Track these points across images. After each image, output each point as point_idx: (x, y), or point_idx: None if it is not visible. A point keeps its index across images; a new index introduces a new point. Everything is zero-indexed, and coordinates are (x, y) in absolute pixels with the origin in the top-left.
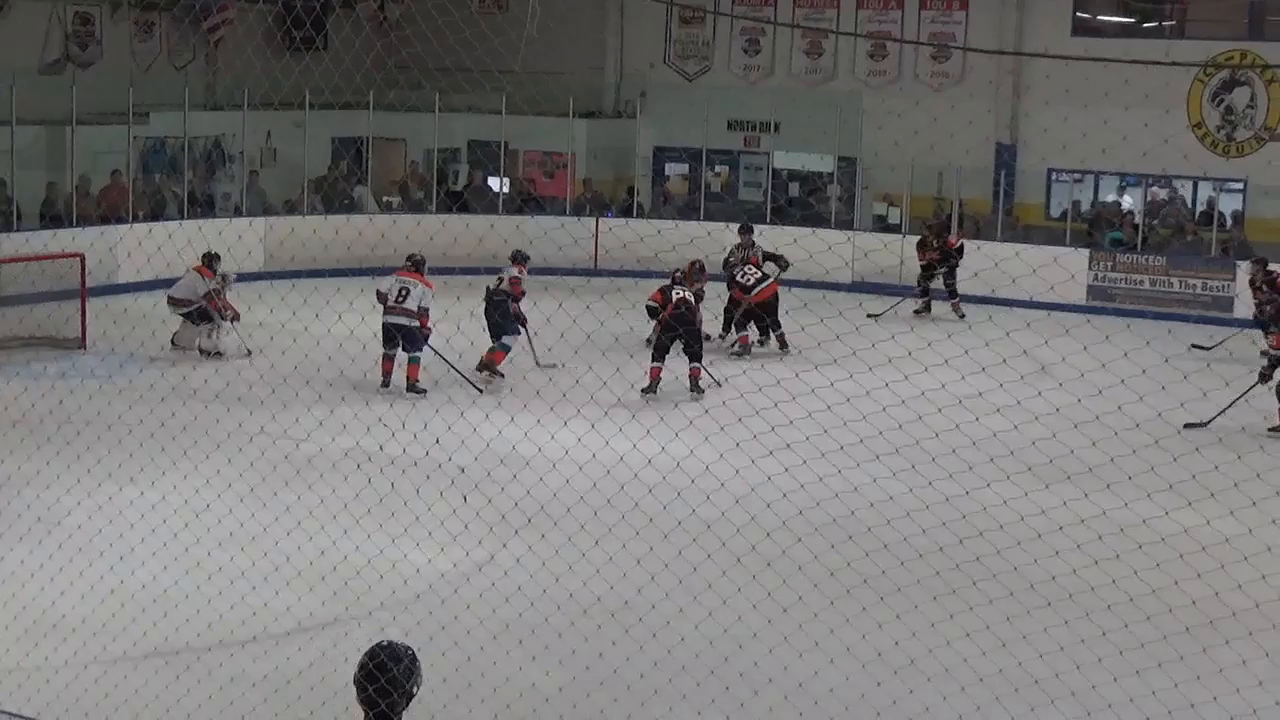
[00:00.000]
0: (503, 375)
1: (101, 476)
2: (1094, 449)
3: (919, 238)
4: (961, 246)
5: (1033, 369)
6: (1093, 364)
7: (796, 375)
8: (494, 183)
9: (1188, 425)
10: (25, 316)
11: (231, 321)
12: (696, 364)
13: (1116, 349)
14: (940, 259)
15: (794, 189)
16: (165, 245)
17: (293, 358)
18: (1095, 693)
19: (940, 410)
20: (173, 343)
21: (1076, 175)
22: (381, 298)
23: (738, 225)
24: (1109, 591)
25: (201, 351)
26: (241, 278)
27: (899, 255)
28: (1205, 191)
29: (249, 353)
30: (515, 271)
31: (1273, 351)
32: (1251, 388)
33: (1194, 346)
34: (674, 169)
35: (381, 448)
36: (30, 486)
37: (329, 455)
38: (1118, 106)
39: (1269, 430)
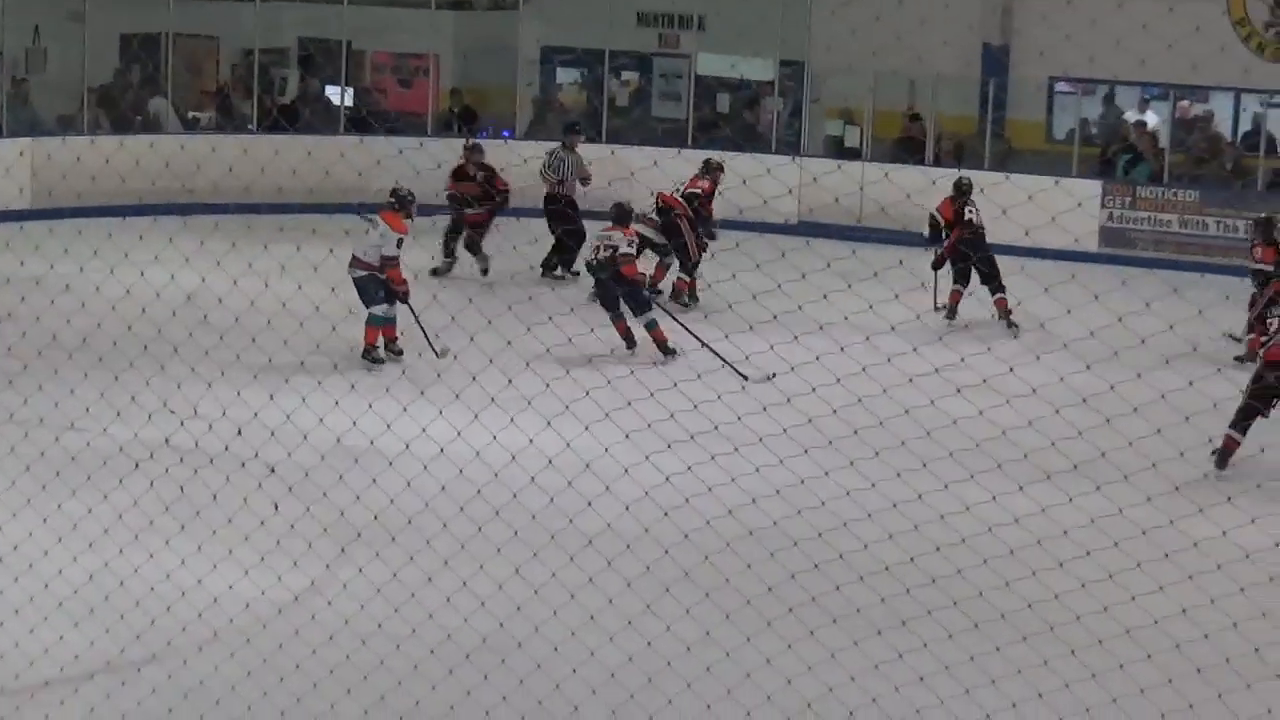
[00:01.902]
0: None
1: None
2: (1079, 440)
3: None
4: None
5: (1030, 327)
6: (1080, 331)
7: (703, 345)
8: (333, 93)
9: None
10: None
11: None
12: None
13: (1110, 313)
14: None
15: (724, 102)
16: None
17: (71, 322)
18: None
19: (885, 391)
20: None
21: (1086, 86)
22: None
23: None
24: (1100, 622)
25: None
26: None
27: (859, 184)
28: (1251, 106)
29: None
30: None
31: None
32: None
33: (1229, 337)
34: (567, 76)
35: (197, 443)
36: None
37: (129, 452)
38: None
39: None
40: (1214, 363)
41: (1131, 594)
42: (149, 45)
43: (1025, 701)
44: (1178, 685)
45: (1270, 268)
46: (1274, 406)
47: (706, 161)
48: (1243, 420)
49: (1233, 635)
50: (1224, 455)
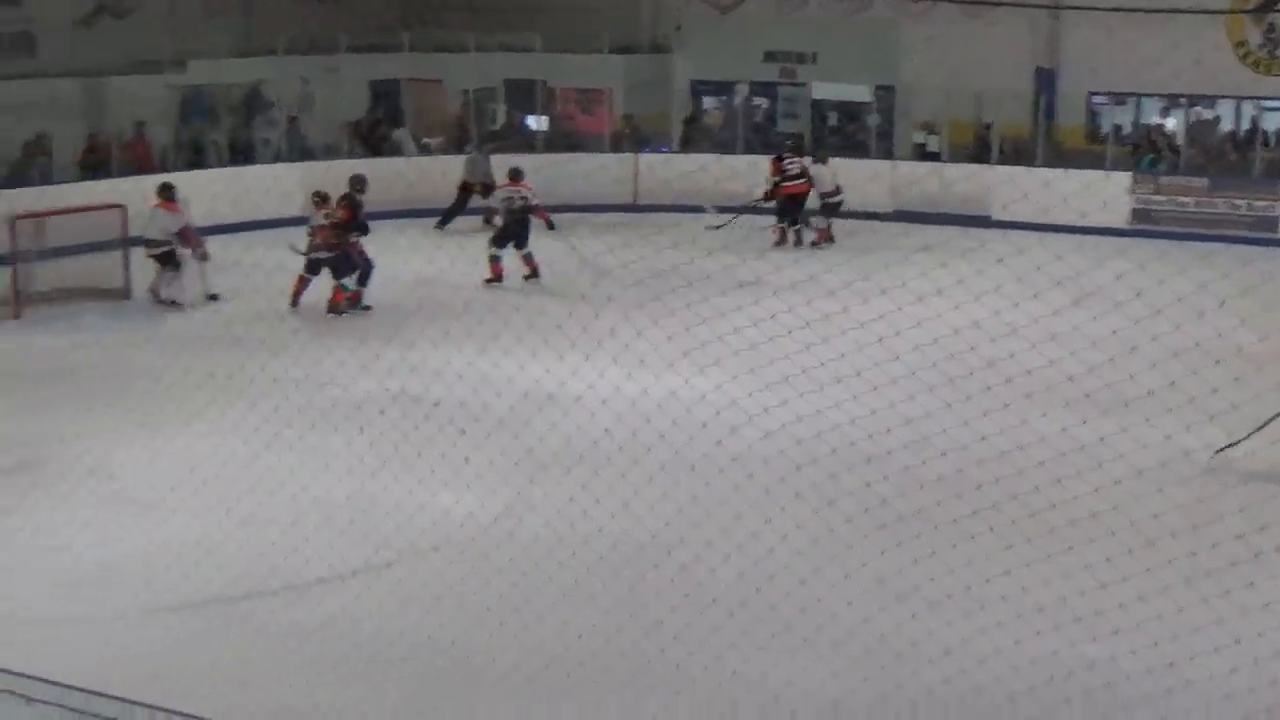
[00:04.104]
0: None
1: (152, 427)
2: (1131, 382)
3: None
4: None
5: (1069, 300)
6: (1128, 293)
7: (845, 309)
8: (531, 121)
9: None
10: (70, 269)
11: (200, 260)
12: None
13: (1151, 277)
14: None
15: (833, 119)
16: (203, 194)
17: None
18: (1140, 630)
19: (973, 349)
20: (151, 293)
21: (1118, 97)
22: None
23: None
24: (1151, 526)
25: (159, 301)
26: (280, 223)
27: (940, 181)
28: (1249, 111)
29: (213, 297)
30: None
31: None
32: None
33: None
34: (710, 102)
35: (427, 390)
36: (76, 439)
37: (353, 398)
38: (1159, 28)
39: None
40: (1238, 316)
41: (1176, 503)
42: (390, 88)
43: (1091, 590)
44: None
45: None
46: None
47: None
48: None
49: (1265, 539)
50: None
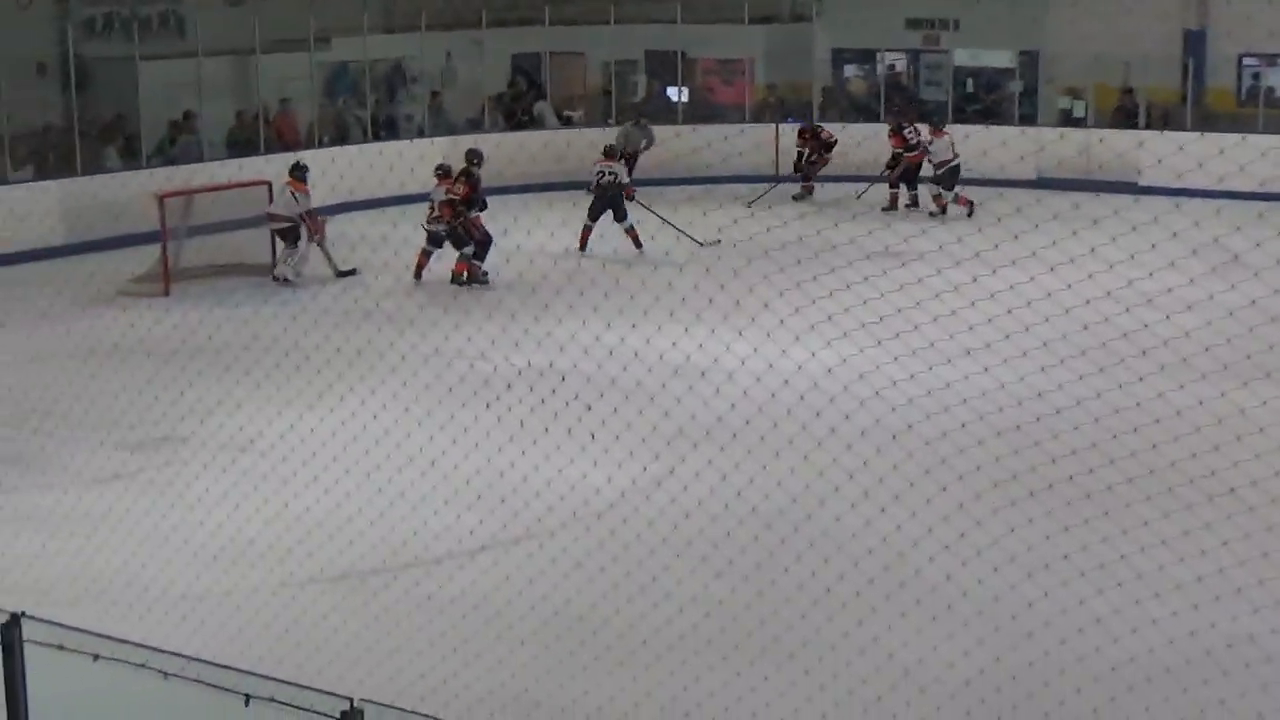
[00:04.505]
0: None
1: (286, 401)
2: (1271, 353)
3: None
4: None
5: (1224, 259)
6: (1268, 260)
7: (974, 279)
8: (672, 92)
9: None
10: (218, 245)
11: (318, 243)
12: None
13: None
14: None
15: (970, 85)
16: (348, 171)
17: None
18: None
19: (1106, 320)
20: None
21: (1270, 59)
22: None
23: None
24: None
25: (275, 278)
26: (422, 198)
27: (1083, 148)
28: None
29: (346, 273)
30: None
31: None
32: None
33: None
34: (851, 70)
35: (550, 365)
36: (219, 412)
37: (504, 373)
38: None
39: None
40: None
41: None
42: (532, 61)
43: (1250, 560)
44: None
45: None
46: None
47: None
48: None
49: None
50: None
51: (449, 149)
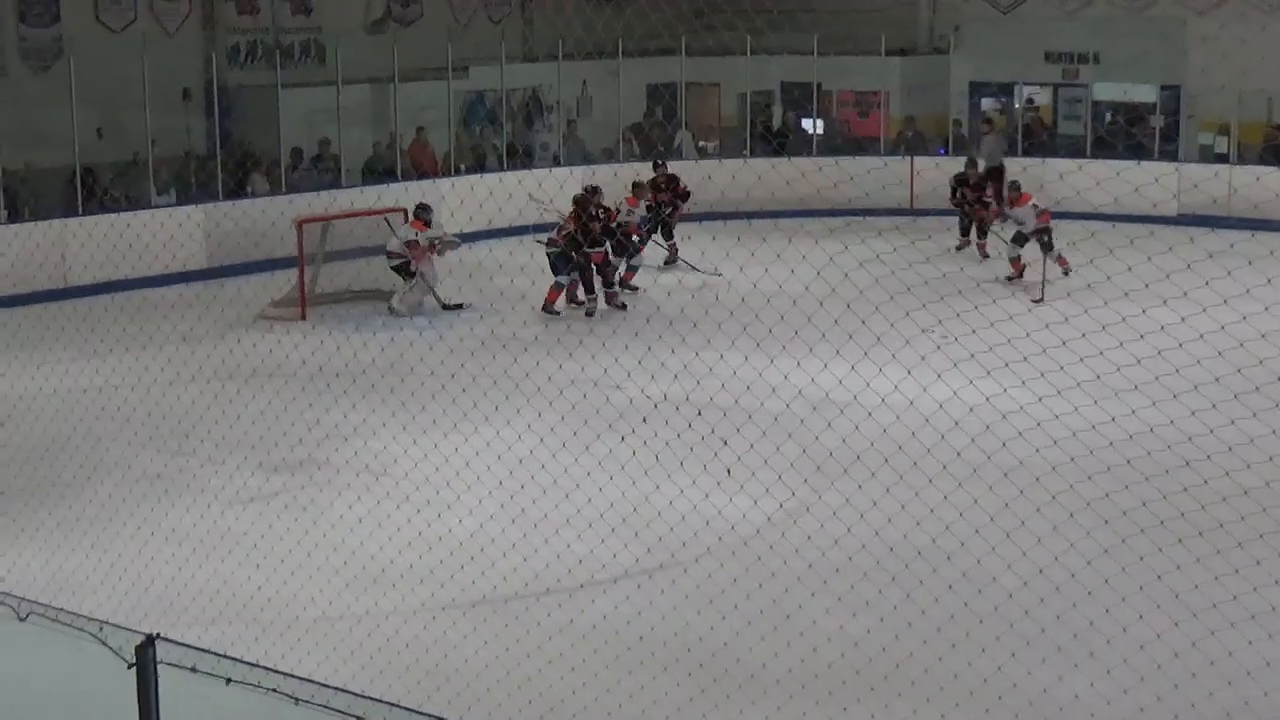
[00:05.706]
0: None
1: (424, 426)
2: None
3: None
4: None
5: None
6: None
7: (1123, 319)
8: (808, 124)
9: None
10: (357, 270)
11: (420, 276)
12: None
13: None
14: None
15: (1114, 119)
16: (487, 200)
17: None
18: None
19: (1261, 363)
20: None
21: None
22: None
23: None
24: None
25: (390, 310)
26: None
27: (1228, 185)
28: None
29: (458, 306)
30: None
31: None
32: None
33: None
34: (989, 104)
35: (689, 397)
36: (355, 436)
37: (642, 403)
38: None
39: None
40: None
41: None
42: (668, 91)
43: None
44: None
45: None
46: None
47: None
48: None
49: None
50: None
51: (586, 177)
